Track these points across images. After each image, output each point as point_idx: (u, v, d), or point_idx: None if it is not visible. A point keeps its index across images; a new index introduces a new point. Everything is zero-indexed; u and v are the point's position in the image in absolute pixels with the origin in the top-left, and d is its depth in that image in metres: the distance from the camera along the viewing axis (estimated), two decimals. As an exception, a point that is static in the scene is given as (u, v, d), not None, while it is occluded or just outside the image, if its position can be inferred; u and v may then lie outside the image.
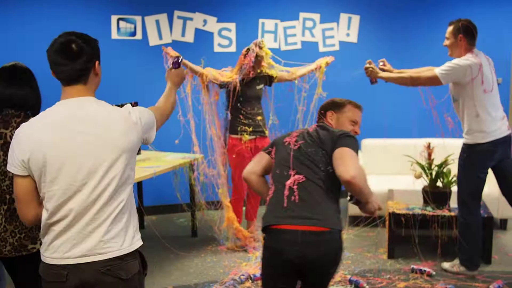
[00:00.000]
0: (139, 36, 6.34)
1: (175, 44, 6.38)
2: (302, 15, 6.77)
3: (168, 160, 5.47)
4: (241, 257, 5.14)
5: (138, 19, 6.32)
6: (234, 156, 5.27)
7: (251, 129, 5.24)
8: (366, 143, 6.60)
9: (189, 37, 6.49)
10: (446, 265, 4.75)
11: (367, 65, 4.70)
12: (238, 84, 5.16)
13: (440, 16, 6.88)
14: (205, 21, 6.52)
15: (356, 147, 2.84)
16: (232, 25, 6.60)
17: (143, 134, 2.36)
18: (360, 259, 5.09)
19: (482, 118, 4.36)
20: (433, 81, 4.40)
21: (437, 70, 4.37)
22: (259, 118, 5.30)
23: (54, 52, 2.24)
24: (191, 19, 6.46)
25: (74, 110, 2.23)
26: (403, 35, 7.04)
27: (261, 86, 5.34)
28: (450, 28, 4.48)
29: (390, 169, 6.36)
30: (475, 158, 4.43)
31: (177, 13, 6.42)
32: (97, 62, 2.31)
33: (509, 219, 5.77)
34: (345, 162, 2.71)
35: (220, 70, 5.34)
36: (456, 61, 4.35)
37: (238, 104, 5.24)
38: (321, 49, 6.85)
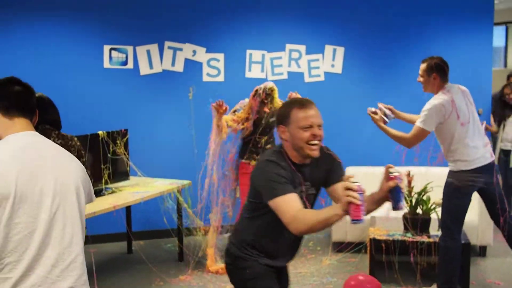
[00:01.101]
0: (130, 65, 6.53)
1: (165, 74, 6.60)
2: (289, 46, 6.98)
3: (156, 186, 5.62)
4: (226, 281, 5.26)
5: (129, 49, 6.51)
6: (243, 177, 5.59)
7: (259, 157, 5.49)
8: (351, 171, 6.75)
9: (179, 67, 6.68)
10: (425, 290, 4.90)
11: (372, 114, 4.82)
12: (251, 129, 5.50)
13: (421, 48, 7.12)
14: (194, 52, 6.71)
15: (263, 177, 2.73)
16: (220, 56, 6.80)
17: None
18: (342, 284, 5.22)
19: (463, 150, 4.55)
20: (421, 133, 4.58)
21: (418, 123, 4.58)
22: (268, 146, 5.55)
23: None
24: (181, 49, 6.67)
25: None
26: (385, 66, 7.25)
27: (274, 118, 5.54)
28: (423, 66, 4.69)
29: (372, 197, 6.50)
30: (460, 184, 4.61)
31: (167, 43, 6.62)
32: None
33: (488, 246, 5.93)
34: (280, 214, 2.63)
35: (232, 111, 5.59)
36: (427, 106, 4.56)
37: (250, 135, 5.56)
38: (307, 79, 7.05)
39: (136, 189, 5.43)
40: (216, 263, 5.57)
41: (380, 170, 6.52)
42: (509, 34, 11.45)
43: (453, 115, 4.50)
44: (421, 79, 4.72)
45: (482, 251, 6.02)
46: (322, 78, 7.11)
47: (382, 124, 4.76)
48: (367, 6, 7.10)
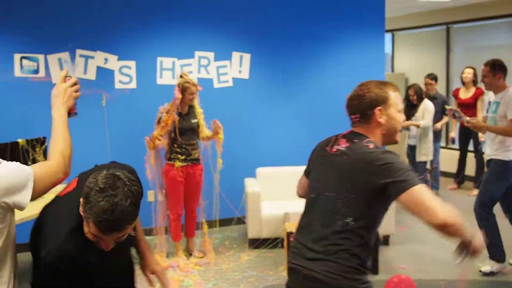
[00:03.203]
0: (42, 73, 6.51)
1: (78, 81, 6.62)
2: (198, 53, 7.22)
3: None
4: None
5: (40, 57, 6.49)
6: (168, 180, 5.83)
7: (183, 157, 5.77)
8: (261, 171, 7.08)
9: (91, 75, 6.74)
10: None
11: (469, 123, 5.44)
12: (177, 119, 5.71)
13: (321, 55, 7.65)
14: (106, 59, 6.80)
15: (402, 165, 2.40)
16: (132, 63, 6.92)
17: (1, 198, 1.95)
18: (263, 276, 5.55)
19: None
20: None
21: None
22: (191, 147, 5.83)
23: None
24: (92, 57, 6.73)
25: None
26: (290, 71, 7.66)
27: (195, 121, 5.89)
28: (487, 68, 5.30)
29: (284, 195, 6.86)
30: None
31: (79, 51, 6.65)
32: None
33: (391, 234, 6.45)
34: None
35: (156, 122, 5.78)
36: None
37: (173, 135, 5.74)
38: (216, 85, 7.32)
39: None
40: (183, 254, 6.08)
41: (287, 170, 6.96)
42: (395, 41, 12.31)
43: None
44: (486, 79, 5.32)
45: (385, 240, 6.54)
46: (230, 83, 7.41)
47: (483, 124, 5.37)
48: (270, 16, 7.48)
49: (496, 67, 5.22)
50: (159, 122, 5.74)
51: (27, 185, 2.01)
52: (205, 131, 6.00)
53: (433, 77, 8.58)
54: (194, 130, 5.90)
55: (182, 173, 5.81)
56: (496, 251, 5.38)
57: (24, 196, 2.00)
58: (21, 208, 2.00)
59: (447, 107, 5.50)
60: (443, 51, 10.93)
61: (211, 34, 7.29)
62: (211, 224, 7.16)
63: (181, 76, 5.84)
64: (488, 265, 5.42)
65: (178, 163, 5.77)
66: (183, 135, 5.79)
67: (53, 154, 2.18)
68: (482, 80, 5.39)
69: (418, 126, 7.72)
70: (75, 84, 2.40)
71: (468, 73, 8.56)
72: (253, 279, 5.47)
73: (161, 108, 5.81)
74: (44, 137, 5.75)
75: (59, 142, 2.20)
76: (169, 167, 5.82)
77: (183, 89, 5.71)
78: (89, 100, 6.68)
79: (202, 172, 6.00)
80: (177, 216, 5.96)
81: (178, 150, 5.79)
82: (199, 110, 5.99)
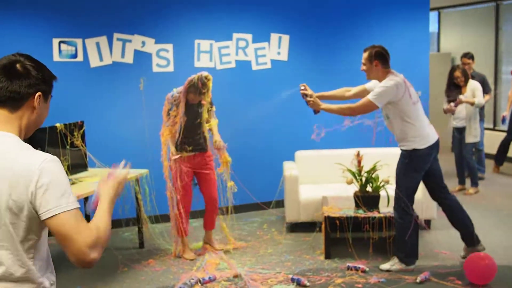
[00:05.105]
0: (80, 58, 6.54)
1: (115, 65, 6.64)
2: (235, 35, 7.15)
3: (115, 176, 5.68)
4: (188, 264, 5.44)
5: (79, 41, 6.52)
6: (175, 170, 5.51)
7: (190, 147, 5.51)
8: (300, 155, 7.00)
9: (129, 58, 6.74)
10: (385, 266, 5.15)
11: (308, 98, 5.04)
12: (185, 117, 5.42)
13: (364, 35, 7.47)
14: (143, 43, 6.79)
15: None
16: (169, 46, 6.89)
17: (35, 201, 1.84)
18: (300, 260, 5.47)
19: (415, 125, 4.87)
20: (369, 107, 4.85)
21: (370, 97, 4.82)
22: (198, 137, 5.54)
23: None
24: (130, 41, 6.73)
25: None
26: (329, 52, 7.53)
27: (202, 109, 5.51)
28: (365, 55, 4.96)
29: (323, 178, 6.78)
30: (416, 162, 4.93)
31: (116, 35, 6.66)
32: (39, 94, 1.98)
33: (432, 219, 6.29)
34: None
35: (165, 114, 5.51)
36: (383, 83, 4.83)
37: (182, 127, 5.46)
38: (254, 67, 7.24)
39: (95, 180, 5.50)
40: (190, 251, 5.67)
41: (326, 153, 6.86)
42: (441, 19, 11.97)
43: (406, 95, 4.80)
44: (364, 67, 4.99)
45: (427, 224, 6.38)
46: (269, 65, 7.31)
47: (323, 106, 5.01)
48: (309, -5, 7.36)
49: None
50: (168, 114, 5.48)
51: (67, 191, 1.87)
52: (210, 123, 5.64)
53: (470, 56, 8.33)
54: (200, 119, 5.54)
55: (190, 164, 5.55)
56: None
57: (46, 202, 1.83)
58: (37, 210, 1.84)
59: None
60: (491, 29, 10.56)
61: (249, 15, 7.20)
62: (248, 208, 7.14)
63: (205, 78, 5.36)
64: None
65: (185, 154, 5.51)
66: (190, 125, 5.49)
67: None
68: None
69: (472, 104, 7.50)
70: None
71: None
72: (290, 263, 5.41)
73: (169, 97, 5.49)
74: (82, 121, 5.78)
75: (101, 229, 1.93)
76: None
77: (190, 86, 5.37)
78: (127, 84, 6.70)
79: (212, 158, 5.68)
80: (185, 211, 5.62)
81: (185, 140, 5.50)
82: (208, 99, 5.52)
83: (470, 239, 5.17)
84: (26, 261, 1.90)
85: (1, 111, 1.94)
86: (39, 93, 1.98)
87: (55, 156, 1.90)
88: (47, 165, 1.84)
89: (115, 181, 2.13)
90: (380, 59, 4.90)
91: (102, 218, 1.97)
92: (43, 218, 1.83)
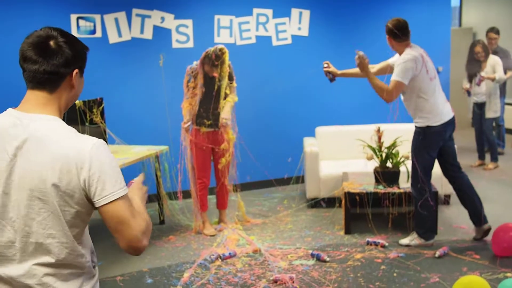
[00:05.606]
0: (98, 34, 6.54)
1: (134, 41, 6.64)
2: (256, 10, 7.09)
3: (135, 152, 5.72)
4: (209, 240, 5.47)
5: (97, 17, 6.51)
6: (194, 145, 5.55)
7: (209, 122, 5.49)
8: (320, 130, 6.97)
9: (148, 34, 6.73)
10: (405, 241, 5.15)
11: (327, 69, 5.12)
12: (203, 89, 5.44)
13: (384, 9, 7.38)
14: (162, 18, 6.77)
15: None
16: (189, 22, 6.86)
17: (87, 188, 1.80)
18: (320, 236, 5.48)
19: (429, 101, 4.81)
20: (400, 87, 4.76)
21: (394, 77, 4.76)
22: (217, 111, 5.49)
23: (27, 44, 1.85)
24: (149, 16, 6.71)
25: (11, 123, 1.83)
26: (351, 27, 7.46)
27: (221, 83, 5.48)
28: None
29: (343, 154, 6.76)
30: (430, 139, 4.88)
31: (135, 11, 6.64)
32: (76, 71, 1.90)
33: (452, 194, 6.24)
34: None
35: (185, 85, 5.54)
36: (401, 59, 4.77)
37: (201, 99, 5.48)
38: (275, 43, 7.20)
39: (115, 156, 5.50)
40: (210, 227, 5.70)
41: (346, 129, 6.83)
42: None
43: (423, 70, 4.74)
44: (388, 42, 4.96)
45: (446, 199, 6.34)
46: (289, 41, 7.26)
47: (368, 70, 4.91)
48: (329, -31, 7.26)
49: None
50: (187, 86, 5.51)
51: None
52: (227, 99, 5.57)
53: (496, 30, 8.18)
54: (219, 94, 5.51)
55: (208, 140, 5.53)
56: None
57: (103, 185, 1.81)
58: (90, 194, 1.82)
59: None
60: (515, 3, 10.37)
61: (269, -11, 7.14)
62: (267, 184, 7.15)
63: (219, 50, 5.38)
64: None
65: (204, 129, 5.50)
66: (208, 98, 5.49)
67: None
68: None
69: (493, 79, 7.40)
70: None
71: None
72: (310, 238, 5.41)
73: (189, 69, 5.53)
74: (101, 98, 5.78)
75: (147, 217, 1.94)
76: (195, 132, 5.55)
77: (205, 57, 5.40)
78: (146, 60, 6.69)
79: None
80: (203, 185, 5.63)
81: (204, 114, 5.48)
82: (222, 73, 5.48)
83: (478, 218, 5.13)
84: (75, 247, 1.88)
85: (40, 93, 1.86)
86: (76, 70, 1.90)
87: (102, 140, 1.87)
88: (97, 150, 1.81)
89: (136, 184, 2.13)
90: (391, 34, 4.86)
91: (141, 209, 1.95)
92: (98, 205, 1.81)
